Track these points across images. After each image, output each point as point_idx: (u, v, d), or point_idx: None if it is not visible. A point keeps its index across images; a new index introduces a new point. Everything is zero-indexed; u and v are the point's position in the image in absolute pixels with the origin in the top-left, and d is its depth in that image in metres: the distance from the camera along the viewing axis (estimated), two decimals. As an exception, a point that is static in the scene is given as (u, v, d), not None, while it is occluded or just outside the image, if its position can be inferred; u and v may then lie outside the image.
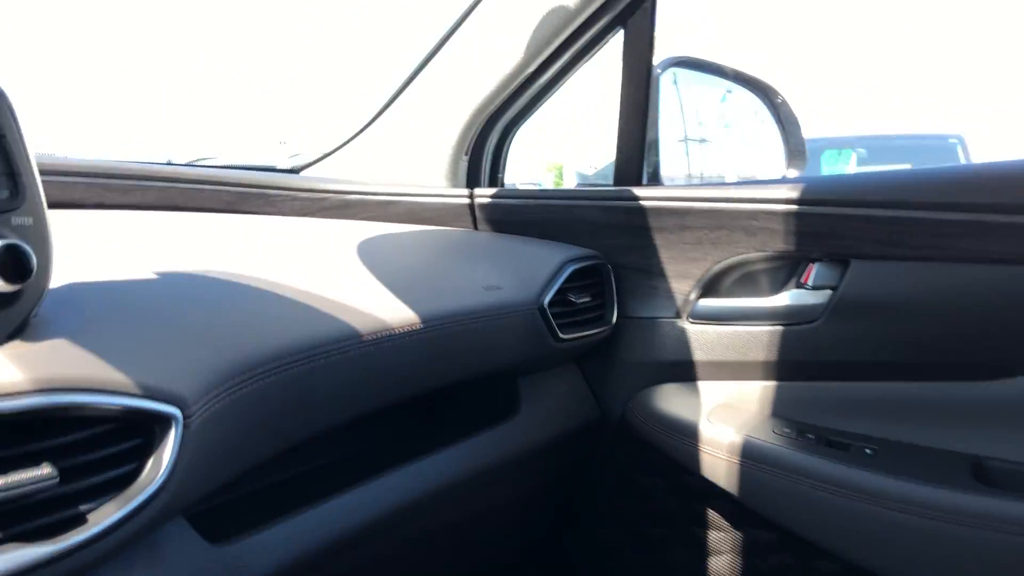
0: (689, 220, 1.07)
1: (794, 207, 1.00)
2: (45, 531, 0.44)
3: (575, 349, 1.07)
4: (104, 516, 0.46)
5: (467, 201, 1.20)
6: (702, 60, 1.32)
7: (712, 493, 1.07)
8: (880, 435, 0.99)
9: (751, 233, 1.03)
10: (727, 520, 1.11)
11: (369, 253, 0.91)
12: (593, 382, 1.15)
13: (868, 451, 0.96)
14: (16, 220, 0.45)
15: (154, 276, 0.65)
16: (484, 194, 1.20)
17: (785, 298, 1.04)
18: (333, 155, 1.29)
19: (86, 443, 0.46)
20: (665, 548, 1.17)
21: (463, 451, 0.91)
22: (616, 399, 1.14)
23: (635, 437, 1.13)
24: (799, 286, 1.03)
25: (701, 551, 1.13)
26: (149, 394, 0.48)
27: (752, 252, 1.04)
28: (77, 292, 0.56)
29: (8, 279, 0.44)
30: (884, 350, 0.99)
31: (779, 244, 1.02)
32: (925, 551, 0.86)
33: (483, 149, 1.27)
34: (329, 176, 1.26)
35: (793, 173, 1.45)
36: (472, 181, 1.28)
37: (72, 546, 0.44)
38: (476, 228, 1.21)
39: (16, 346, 0.46)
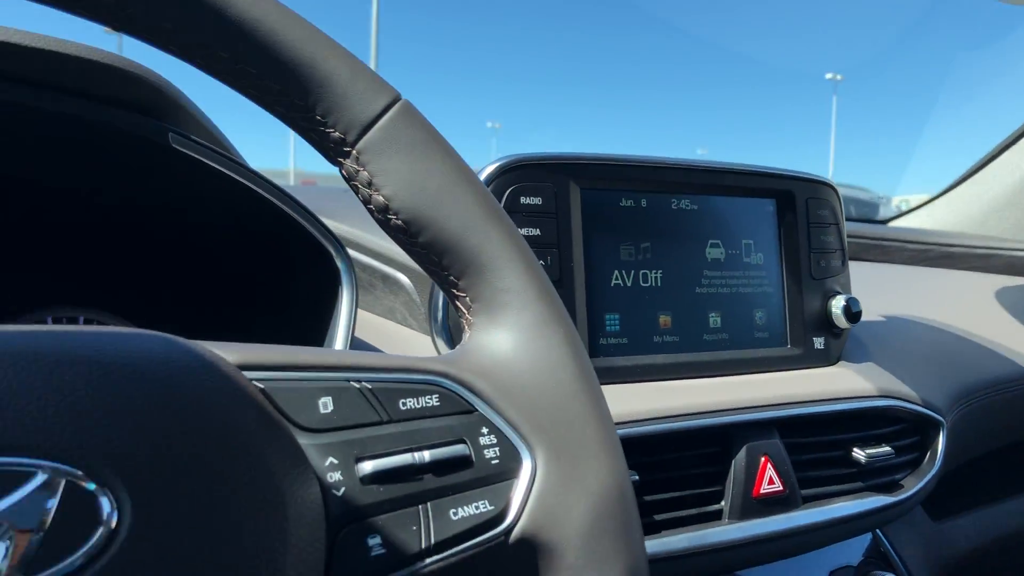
0: None
1: None
2: (884, 488, 0.68)
3: None
4: (911, 484, 0.69)
5: None
6: None
7: None
8: None
9: None
10: None
11: (1009, 305, 1.04)
12: None
13: None
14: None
15: (888, 319, 0.88)
16: None
17: None
18: (920, 209, 1.43)
19: (895, 434, 0.70)
20: None
21: None
22: None
23: None
24: None
25: None
26: (927, 405, 0.70)
27: None
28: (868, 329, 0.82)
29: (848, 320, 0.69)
30: None
31: None
32: None
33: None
34: (913, 227, 1.41)
35: None
36: None
37: (901, 500, 0.67)
38: None
39: (845, 365, 0.71)
